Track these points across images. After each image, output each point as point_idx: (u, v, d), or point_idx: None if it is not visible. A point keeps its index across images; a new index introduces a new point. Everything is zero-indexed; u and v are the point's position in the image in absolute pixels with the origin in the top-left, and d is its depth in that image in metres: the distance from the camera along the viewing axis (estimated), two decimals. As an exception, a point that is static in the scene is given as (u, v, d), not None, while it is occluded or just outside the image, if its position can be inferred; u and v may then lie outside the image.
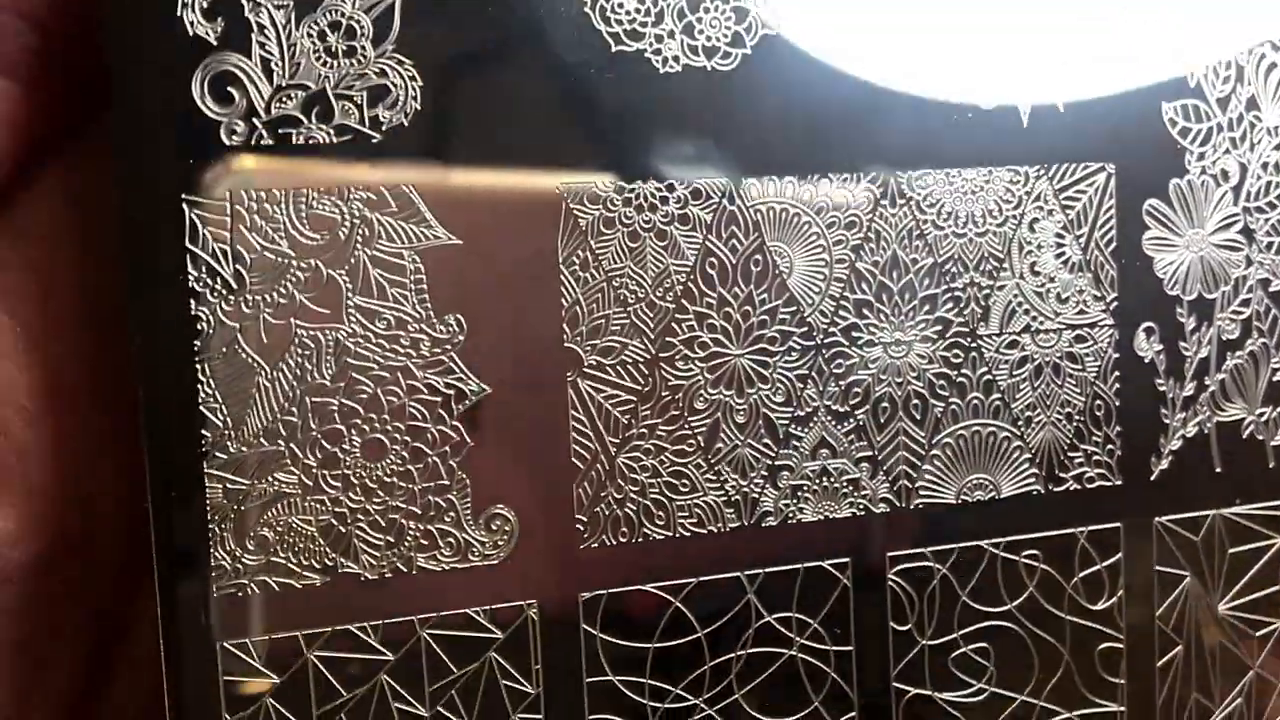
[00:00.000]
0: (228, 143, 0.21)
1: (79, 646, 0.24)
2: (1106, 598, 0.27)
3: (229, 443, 0.21)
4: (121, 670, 0.24)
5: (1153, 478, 0.27)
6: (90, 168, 0.23)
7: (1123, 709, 0.27)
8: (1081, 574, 0.27)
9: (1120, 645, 0.27)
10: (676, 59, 0.23)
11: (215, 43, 0.21)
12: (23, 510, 0.22)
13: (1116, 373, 0.27)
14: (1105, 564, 0.27)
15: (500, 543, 0.23)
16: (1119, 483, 0.27)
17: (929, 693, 0.26)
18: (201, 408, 0.21)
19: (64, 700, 0.24)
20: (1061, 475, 0.26)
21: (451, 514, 0.23)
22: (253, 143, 0.21)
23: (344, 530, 0.22)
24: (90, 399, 0.23)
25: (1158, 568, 0.27)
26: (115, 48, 0.21)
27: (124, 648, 0.24)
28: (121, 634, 0.24)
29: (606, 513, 0.24)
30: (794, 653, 0.25)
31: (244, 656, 0.22)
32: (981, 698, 0.26)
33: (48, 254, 0.23)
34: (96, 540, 0.23)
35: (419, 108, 0.22)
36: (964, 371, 0.26)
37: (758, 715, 0.24)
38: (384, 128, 0.22)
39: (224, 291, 0.21)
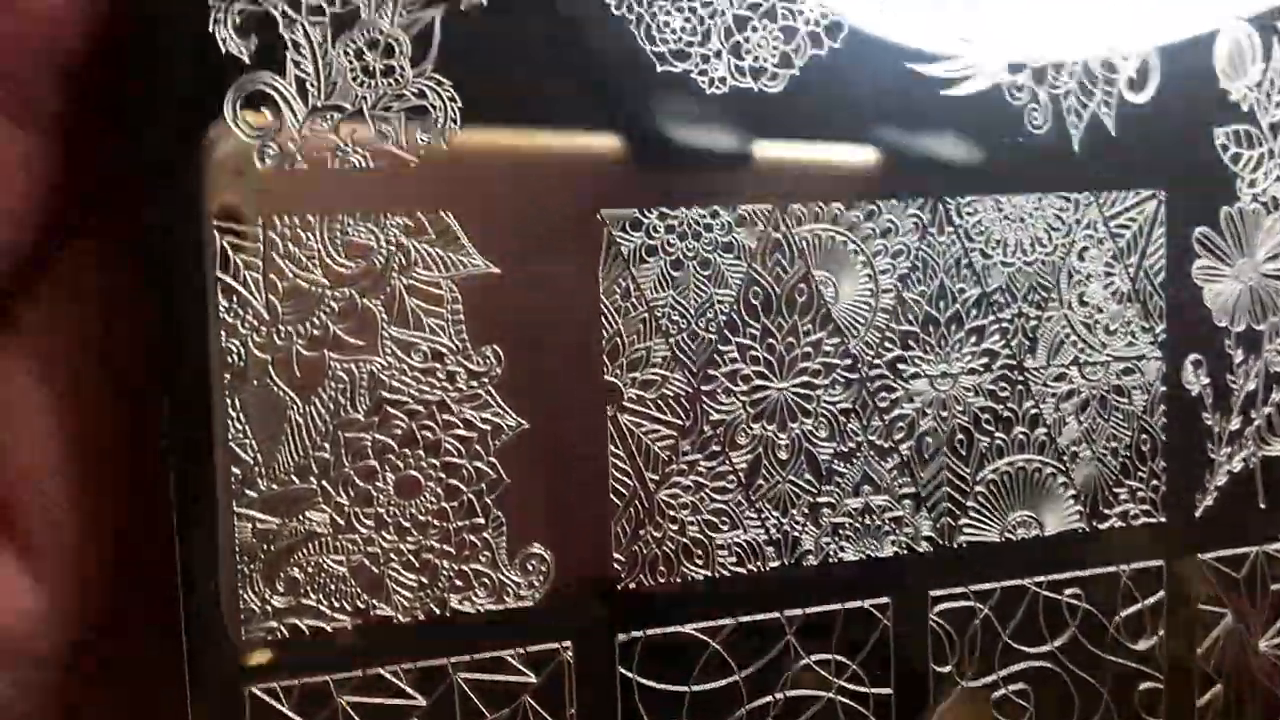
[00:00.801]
0: (260, 166, 0.20)
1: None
2: (1148, 636, 0.26)
3: (259, 480, 0.20)
4: None
5: (1197, 514, 0.27)
6: (126, 226, 0.22)
7: (1162, 749, 0.27)
8: (1124, 613, 0.26)
9: (1160, 685, 0.26)
10: (723, 80, 0.23)
11: (248, 61, 0.20)
12: (57, 588, 0.22)
13: (1163, 406, 0.26)
14: (1148, 602, 0.26)
15: (536, 583, 0.22)
16: (1163, 520, 0.26)
17: (968, 735, 0.25)
18: (231, 444, 0.20)
19: None
20: (1106, 512, 0.26)
21: (487, 554, 0.22)
22: (287, 166, 0.20)
23: (376, 571, 0.21)
24: (125, 468, 0.22)
25: (1200, 606, 0.27)
26: (145, 67, 0.20)
27: None
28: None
29: (645, 551, 0.23)
30: (833, 695, 0.24)
31: (273, 701, 0.21)
32: (1021, 739, 0.26)
33: (83, 319, 0.22)
34: (131, 617, 0.22)
35: (458, 130, 0.21)
36: (1010, 405, 0.25)
37: (795, 759, 0.24)
38: (422, 151, 0.21)
39: (255, 322, 0.20)
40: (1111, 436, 0.26)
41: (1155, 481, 0.26)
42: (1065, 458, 0.25)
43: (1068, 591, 0.26)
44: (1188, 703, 0.27)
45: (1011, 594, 0.25)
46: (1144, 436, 0.26)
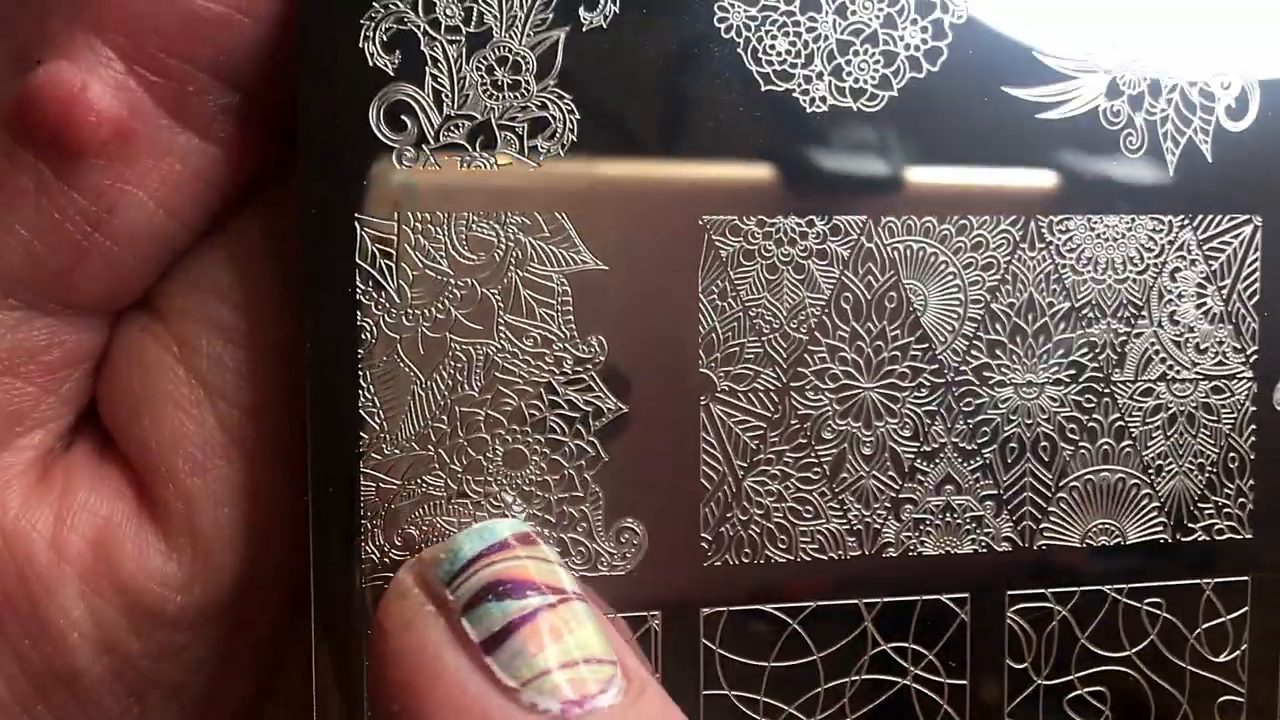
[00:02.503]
0: (398, 167, 0.23)
1: (238, 690, 0.25)
2: (1230, 651, 0.27)
3: (384, 445, 0.23)
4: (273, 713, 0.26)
5: (1286, 533, 0.27)
6: (273, 226, 0.24)
7: (1241, 763, 0.27)
8: (1205, 625, 0.27)
9: (1241, 699, 0.27)
10: (824, 99, 0.24)
11: (393, 74, 0.23)
12: (188, 555, 0.24)
13: (1253, 426, 0.27)
14: (1230, 616, 0.27)
15: (629, 554, 0.24)
16: (1249, 536, 0.27)
17: (1041, 732, 0.26)
18: (361, 411, 0.23)
19: None
20: (1190, 526, 0.26)
21: (584, 524, 0.24)
22: (421, 167, 0.23)
23: (484, 534, 0.23)
24: (262, 450, 0.24)
25: (1286, 624, 0.27)
26: (304, 76, 0.22)
27: (277, 694, 0.26)
28: (275, 683, 0.26)
29: (731, 533, 0.24)
30: (908, 682, 0.25)
31: (386, 645, 0.23)
32: (1095, 741, 0.26)
33: (225, 308, 0.24)
34: (260, 588, 0.24)
35: (575, 140, 0.23)
36: (1095, 416, 0.26)
37: (869, 740, 0.25)
38: (542, 158, 0.23)
39: (387, 305, 0.23)
40: (1198, 452, 0.26)
41: (1242, 499, 0.27)
42: (1150, 471, 0.26)
43: (1148, 600, 0.26)
44: (1269, 716, 0.27)
45: (1091, 598, 0.26)
46: (1232, 454, 0.26)
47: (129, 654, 0.24)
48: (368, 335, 0.23)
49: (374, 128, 0.23)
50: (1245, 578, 0.27)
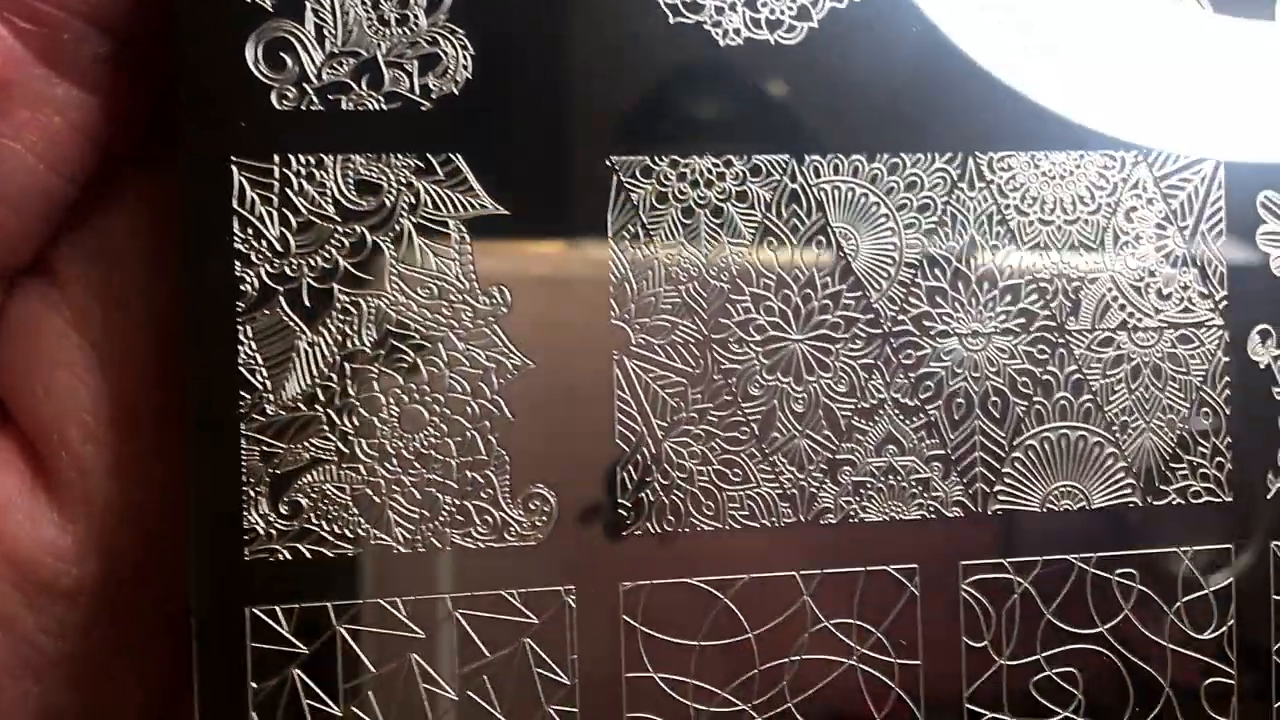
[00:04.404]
0: (278, 107, 0.21)
1: (148, 679, 0.24)
2: (1215, 627, 0.24)
3: (267, 405, 0.21)
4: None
5: (1269, 496, 0.25)
6: (164, 187, 0.23)
7: (1234, 753, 0.24)
8: (1185, 599, 0.24)
9: (1231, 681, 0.24)
10: (738, 31, 0.23)
11: (271, 9, 0.21)
12: (83, 527, 0.23)
13: (1226, 379, 0.24)
14: (1214, 589, 0.24)
15: (539, 523, 0.22)
16: (1229, 499, 0.24)
17: (1007, 719, 0.24)
18: (241, 369, 0.21)
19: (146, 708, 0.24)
20: (1163, 488, 0.24)
21: (489, 491, 0.22)
22: (303, 108, 0.21)
23: (378, 500, 0.22)
24: (155, 419, 0.23)
25: (1275, 596, 0.25)
26: (179, 14, 0.21)
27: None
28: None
29: (651, 499, 0.23)
30: (853, 662, 0.23)
31: (272, 623, 0.21)
32: (1067, 728, 0.24)
33: (119, 273, 0.23)
34: (160, 563, 0.23)
35: (470, 77, 0.22)
36: (1050, 369, 0.24)
37: (813, 727, 0.23)
38: (434, 96, 0.22)
39: (268, 254, 0.21)
40: (1167, 408, 0.24)
41: (1220, 458, 0.24)
42: (1114, 428, 0.24)
43: (1119, 570, 0.24)
44: (1264, 703, 0.25)
45: (1054, 569, 0.24)
46: (1205, 410, 0.24)
47: (24, 630, 0.22)
48: (248, 287, 0.21)
49: (251, 66, 0.21)
50: (1227, 545, 0.24)
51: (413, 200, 0.22)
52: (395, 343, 0.22)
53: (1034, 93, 0.24)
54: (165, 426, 0.22)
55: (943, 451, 0.23)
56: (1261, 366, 0.25)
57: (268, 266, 0.21)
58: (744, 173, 0.23)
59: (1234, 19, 0.25)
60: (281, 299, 0.21)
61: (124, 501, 0.23)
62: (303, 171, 0.21)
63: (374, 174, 0.22)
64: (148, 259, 0.23)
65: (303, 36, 0.21)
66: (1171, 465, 0.24)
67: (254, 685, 0.21)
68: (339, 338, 0.22)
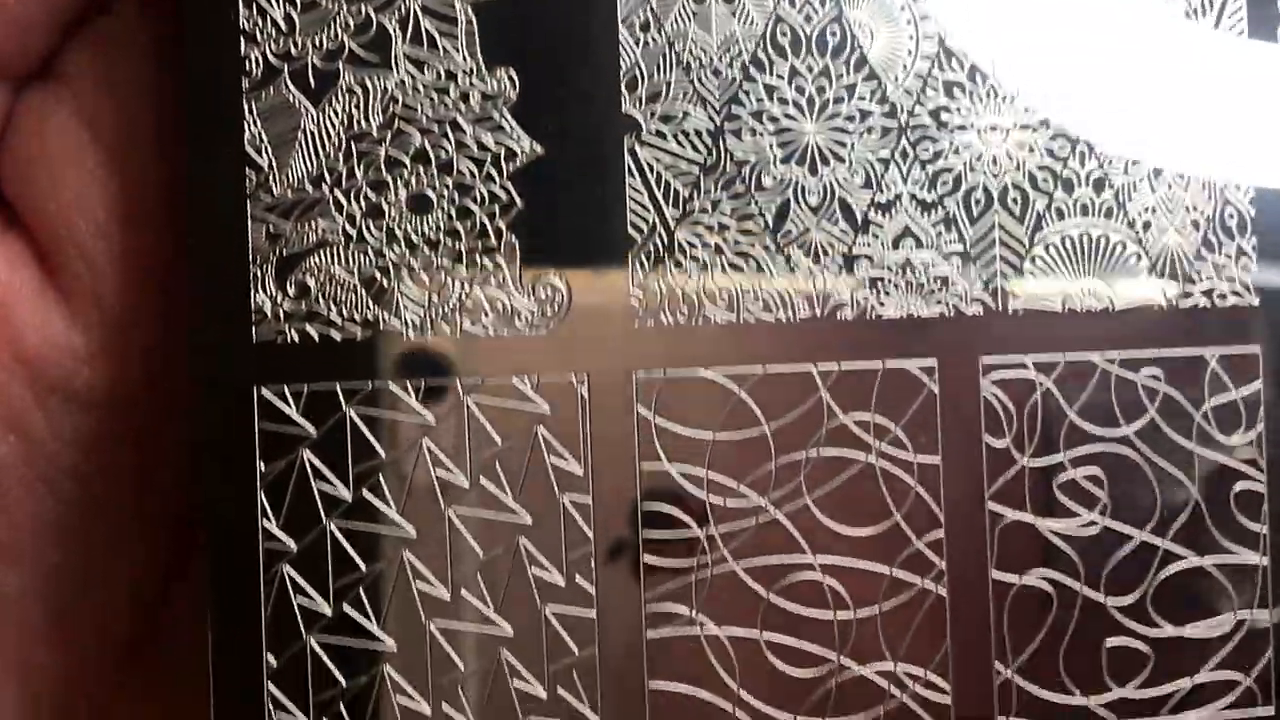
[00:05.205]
0: (283, -113, 0.21)
1: (153, 505, 0.24)
2: (1244, 431, 0.24)
3: (273, 185, 0.21)
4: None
5: (1298, 299, 0.24)
6: None
7: (1264, 561, 0.24)
8: (1213, 402, 0.24)
9: (1261, 488, 0.24)
10: None
11: None
12: (94, 324, 0.22)
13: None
14: (1241, 392, 0.24)
15: (550, 312, 0.22)
16: (1255, 302, 0.24)
17: (1030, 518, 0.23)
18: (247, 148, 0.21)
19: (158, 540, 0.24)
20: (1188, 290, 0.24)
21: (499, 276, 0.22)
22: (308, -113, 0.21)
23: (386, 284, 0.21)
24: (166, 216, 0.22)
25: (1305, 401, 0.24)
26: None
27: None
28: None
29: (664, 289, 0.22)
30: (871, 459, 0.23)
31: (281, 404, 0.21)
32: (1093, 531, 0.23)
33: (125, 66, 0.23)
34: (172, 369, 0.22)
35: None
36: (1071, 166, 0.23)
37: (831, 524, 0.22)
38: (439, -123, 0.22)
39: (273, 32, 0.21)
40: (1191, 207, 0.24)
41: (1245, 259, 0.24)
42: (1137, 227, 0.24)
43: (1144, 371, 0.23)
44: (1293, 510, 0.24)
45: (1077, 368, 0.23)
46: (1229, 210, 0.24)
47: (37, 433, 0.22)
48: (252, 65, 0.21)
49: None
50: (1255, 349, 0.24)
51: (419, -18, 0.22)
52: (402, 125, 0.21)
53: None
54: (174, 225, 0.22)
55: (961, 248, 0.23)
56: (1288, 166, 0.24)
57: (272, 45, 0.21)
58: (755, -40, 0.22)
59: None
60: (286, 78, 0.21)
61: (133, 301, 0.22)
62: (308, -49, 0.21)
63: (380, -46, 0.21)
64: (154, 52, 0.22)
65: None
66: (1196, 267, 0.24)
67: (263, 466, 0.21)
68: (345, 119, 0.21)
